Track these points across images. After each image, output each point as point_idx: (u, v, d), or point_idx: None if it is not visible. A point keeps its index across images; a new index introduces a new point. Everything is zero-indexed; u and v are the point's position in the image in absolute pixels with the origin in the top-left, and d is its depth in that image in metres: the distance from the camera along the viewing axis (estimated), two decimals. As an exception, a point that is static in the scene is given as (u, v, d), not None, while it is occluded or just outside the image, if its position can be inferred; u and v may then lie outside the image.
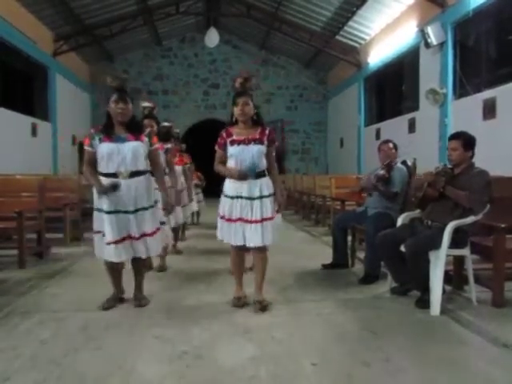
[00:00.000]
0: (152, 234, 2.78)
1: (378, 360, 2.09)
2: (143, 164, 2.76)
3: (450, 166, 3.01)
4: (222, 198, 2.86)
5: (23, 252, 4.01)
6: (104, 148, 2.65)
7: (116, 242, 2.66)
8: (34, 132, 9.67)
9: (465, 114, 7.08)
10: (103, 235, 2.71)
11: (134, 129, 2.76)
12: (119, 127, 2.72)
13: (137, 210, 2.71)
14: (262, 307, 2.77)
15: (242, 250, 2.90)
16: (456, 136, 2.98)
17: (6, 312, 2.76)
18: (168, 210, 3.03)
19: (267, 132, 2.83)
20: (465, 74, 7.32)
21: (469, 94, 7.13)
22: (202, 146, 10.30)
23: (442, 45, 7.60)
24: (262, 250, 2.84)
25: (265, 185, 2.79)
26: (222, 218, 2.84)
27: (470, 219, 2.84)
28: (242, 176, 2.72)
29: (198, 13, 12.14)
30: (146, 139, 2.78)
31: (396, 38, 9.29)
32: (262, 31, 12.91)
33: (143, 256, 2.81)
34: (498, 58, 6.76)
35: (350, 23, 10.35)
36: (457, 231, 2.81)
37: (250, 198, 2.74)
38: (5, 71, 8.68)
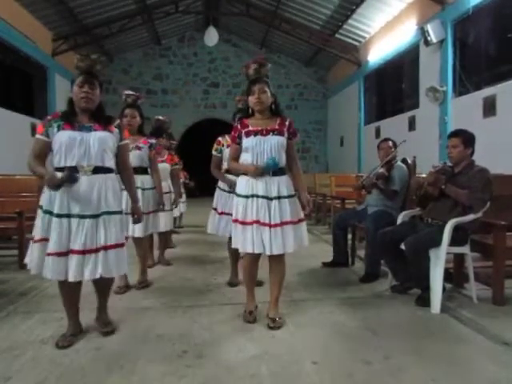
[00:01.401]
0: (116, 246, 2.20)
1: (379, 358, 2.09)
2: (110, 160, 2.26)
3: (449, 164, 3.01)
4: (235, 199, 2.53)
5: (23, 252, 4.00)
6: (63, 136, 2.14)
7: (59, 255, 2.09)
8: (33, 132, 9.65)
9: (465, 111, 7.07)
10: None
11: (101, 118, 2.28)
12: (83, 115, 2.23)
13: (98, 215, 2.17)
14: (275, 326, 2.45)
15: (258, 257, 2.54)
16: (456, 133, 2.98)
17: (6, 312, 2.76)
18: (137, 220, 2.56)
19: (287, 123, 2.50)
20: (465, 71, 7.31)
21: (469, 91, 7.12)
22: (201, 146, 10.28)
23: (441, 42, 7.58)
24: (280, 260, 2.50)
25: (284, 184, 2.45)
26: (236, 221, 2.47)
27: (470, 217, 2.83)
28: (259, 172, 2.39)
29: (198, 11, 12.11)
30: (116, 131, 2.30)
31: (396, 35, 9.27)
32: (261, 30, 12.89)
33: (105, 275, 2.18)
34: (497, 55, 6.74)
35: (350, 21, 10.33)
36: (457, 229, 2.81)
37: (267, 198, 2.40)
38: (4, 71, 8.67)
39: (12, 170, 7.40)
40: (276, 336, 2.37)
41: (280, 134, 2.45)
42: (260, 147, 2.41)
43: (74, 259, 2.11)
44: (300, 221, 2.49)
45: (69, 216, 2.13)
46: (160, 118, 4.12)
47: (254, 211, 2.40)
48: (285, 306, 2.89)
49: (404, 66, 9.67)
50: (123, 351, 2.18)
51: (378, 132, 10.57)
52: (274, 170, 2.39)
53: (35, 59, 9.79)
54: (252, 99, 2.46)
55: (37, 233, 2.16)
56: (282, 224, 2.39)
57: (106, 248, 2.17)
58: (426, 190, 3.00)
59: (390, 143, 3.81)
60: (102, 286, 2.39)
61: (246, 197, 2.44)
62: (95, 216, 2.17)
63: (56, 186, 2.03)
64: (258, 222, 2.39)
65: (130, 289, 3.26)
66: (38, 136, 2.21)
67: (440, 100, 7.65)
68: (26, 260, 2.20)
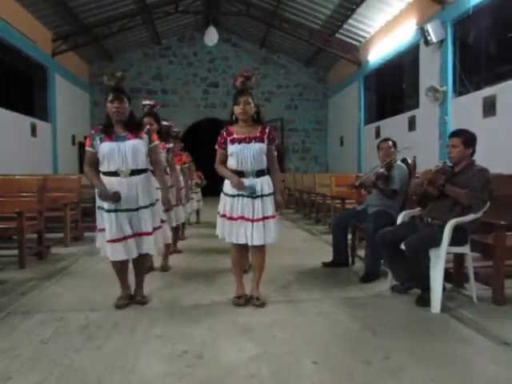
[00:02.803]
0: (151, 232, 2.77)
1: (379, 358, 2.09)
2: (143, 162, 2.76)
3: (450, 164, 3.01)
4: (222, 197, 2.88)
5: (23, 252, 4.01)
6: (105, 147, 2.67)
7: (114, 241, 2.67)
8: (33, 132, 9.66)
9: (465, 111, 7.07)
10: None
11: (133, 127, 2.77)
12: (118, 126, 2.73)
13: (138, 209, 2.73)
14: (260, 304, 2.83)
15: (242, 248, 2.92)
16: (456, 133, 2.97)
17: (6, 312, 2.76)
18: (167, 208, 3.04)
19: (267, 130, 2.85)
20: (465, 71, 7.31)
21: (469, 91, 7.12)
22: (201, 145, 10.28)
23: (441, 42, 7.59)
24: (261, 249, 2.87)
25: (265, 183, 2.81)
26: (223, 216, 2.85)
27: (470, 217, 2.83)
28: (239, 188, 2.74)
29: (197, 11, 12.12)
30: (145, 136, 2.78)
31: (396, 35, 9.28)
32: (261, 30, 12.89)
33: (145, 253, 2.83)
34: (497, 55, 6.74)
35: (350, 21, 10.34)
36: (457, 229, 2.80)
37: (251, 197, 2.76)
38: (4, 71, 8.68)
39: (12, 169, 7.41)
40: (276, 336, 2.37)
41: (261, 140, 2.80)
42: (243, 153, 2.76)
43: (127, 243, 2.71)
44: (274, 215, 2.85)
45: (116, 211, 2.68)
46: (165, 123, 4.23)
47: (239, 208, 2.78)
48: (285, 305, 2.89)
49: (404, 65, 9.68)
50: (123, 351, 2.18)
51: (377, 132, 10.57)
52: (250, 193, 2.74)
53: (35, 59, 9.80)
54: (237, 109, 2.79)
55: (98, 224, 2.79)
56: (264, 219, 2.77)
57: (144, 234, 2.75)
58: (426, 189, 3.00)
59: (390, 143, 3.81)
60: (140, 264, 2.95)
61: (233, 196, 2.80)
62: (136, 209, 2.73)
63: (105, 198, 2.64)
64: (242, 217, 2.78)
65: (153, 270, 3.77)
66: (87, 148, 2.76)
67: (440, 100, 7.66)
68: (97, 244, 2.83)
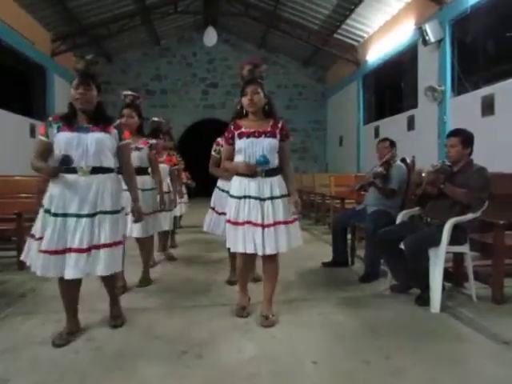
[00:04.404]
0: (110, 245, 2.23)
1: (379, 358, 2.09)
2: (109, 160, 2.31)
3: (448, 164, 3.01)
4: (229, 200, 2.58)
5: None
6: (62, 137, 2.21)
7: (50, 253, 2.14)
8: (32, 133, 9.65)
9: (463, 111, 7.07)
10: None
11: (100, 119, 2.32)
12: (82, 117, 2.28)
13: (94, 214, 2.22)
14: (267, 324, 2.48)
15: (250, 257, 2.57)
16: (455, 133, 2.98)
17: (6, 313, 2.76)
18: (137, 219, 2.61)
19: (280, 125, 2.53)
20: (463, 71, 7.32)
21: (467, 90, 7.12)
22: (201, 145, 10.28)
23: (440, 42, 7.59)
24: (273, 259, 2.52)
25: (276, 184, 2.48)
26: (229, 221, 2.53)
27: (469, 216, 2.84)
28: (250, 169, 2.41)
29: (196, 12, 12.11)
30: (114, 132, 2.35)
31: (394, 35, 9.28)
32: (260, 30, 12.89)
33: (100, 273, 2.24)
34: (496, 54, 6.75)
35: (349, 21, 10.33)
36: (456, 228, 2.81)
37: (260, 199, 2.44)
38: (2, 72, 8.66)
39: (11, 170, 7.39)
40: (276, 336, 2.37)
41: (272, 136, 2.48)
42: (252, 149, 2.45)
43: (72, 257, 2.16)
44: (293, 220, 2.52)
45: (65, 215, 2.19)
46: (155, 119, 4.14)
47: (246, 212, 2.44)
48: (284, 305, 2.89)
49: (403, 65, 9.68)
50: (123, 352, 2.17)
51: (377, 132, 10.57)
52: (264, 167, 2.41)
53: (34, 60, 9.78)
54: (245, 100, 2.49)
55: (36, 231, 2.22)
56: (275, 224, 2.42)
57: (100, 247, 2.21)
58: (425, 188, 3.00)
59: (387, 143, 3.82)
60: (107, 280, 2.46)
61: (239, 198, 2.48)
62: (91, 215, 2.22)
63: (55, 172, 2.16)
64: (249, 222, 2.43)
65: (127, 290, 3.24)
66: (39, 136, 2.31)
67: (438, 99, 7.66)
68: (22, 257, 2.27)
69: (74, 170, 2.19)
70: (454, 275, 3.21)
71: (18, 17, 8.88)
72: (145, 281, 3.42)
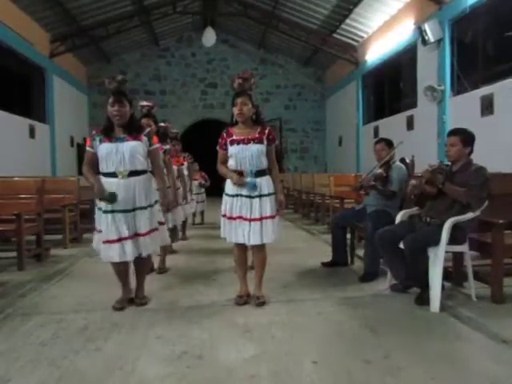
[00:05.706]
0: (148, 233, 2.78)
1: (378, 357, 2.09)
2: (142, 164, 2.79)
3: (446, 163, 3.01)
4: (224, 197, 2.92)
5: (22, 254, 4.00)
6: (103, 148, 2.72)
7: (109, 242, 2.70)
8: (31, 134, 9.65)
9: (463, 110, 7.08)
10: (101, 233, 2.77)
11: (133, 129, 2.80)
12: (118, 128, 2.77)
13: (134, 209, 2.75)
14: (259, 303, 2.87)
15: (243, 247, 2.95)
16: (455, 132, 2.97)
17: (5, 314, 2.76)
18: (165, 209, 3.06)
19: (267, 131, 2.87)
20: (462, 70, 7.33)
21: (466, 90, 7.14)
22: (200, 146, 10.29)
23: (439, 42, 7.60)
24: (260, 248, 2.91)
25: (265, 184, 2.83)
26: (224, 216, 2.90)
27: (469, 215, 2.84)
28: (239, 183, 2.78)
29: (195, 12, 12.12)
30: (144, 139, 2.81)
31: (393, 35, 9.29)
32: (259, 30, 12.90)
33: (143, 255, 2.81)
34: (495, 54, 6.76)
35: (348, 21, 10.35)
36: (455, 228, 2.81)
37: (250, 197, 2.80)
38: (2, 73, 8.66)
39: (11, 171, 7.39)
40: (276, 336, 2.37)
41: (260, 142, 2.83)
42: (242, 154, 2.80)
43: (124, 244, 2.71)
44: (275, 215, 2.88)
45: (113, 212, 2.70)
46: (162, 124, 4.25)
47: (238, 208, 2.83)
48: (284, 305, 2.90)
49: (402, 65, 9.69)
50: (122, 352, 2.17)
51: (376, 131, 10.59)
52: (251, 188, 2.77)
53: (33, 61, 9.79)
54: (235, 110, 2.82)
55: (96, 225, 2.82)
56: (262, 218, 2.80)
57: (141, 235, 2.76)
58: (424, 188, 3.00)
59: (383, 144, 3.80)
60: (141, 265, 2.97)
61: (232, 196, 2.85)
62: (132, 210, 2.75)
63: (98, 196, 2.68)
64: (241, 217, 2.82)
65: (153, 271, 3.79)
66: (87, 148, 2.82)
67: (438, 99, 7.67)
68: (94, 246, 2.86)
69: (114, 175, 2.70)
70: (454, 275, 3.22)
71: (17, 18, 8.89)
72: (162, 269, 3.91)
